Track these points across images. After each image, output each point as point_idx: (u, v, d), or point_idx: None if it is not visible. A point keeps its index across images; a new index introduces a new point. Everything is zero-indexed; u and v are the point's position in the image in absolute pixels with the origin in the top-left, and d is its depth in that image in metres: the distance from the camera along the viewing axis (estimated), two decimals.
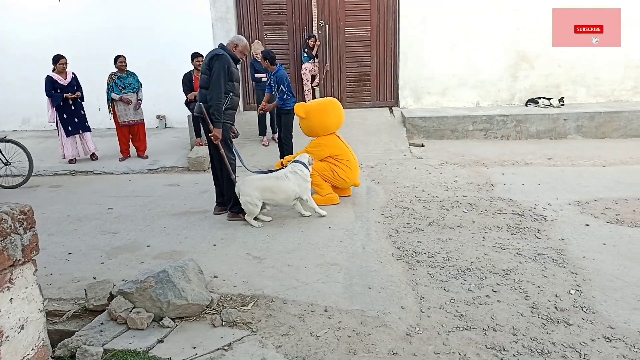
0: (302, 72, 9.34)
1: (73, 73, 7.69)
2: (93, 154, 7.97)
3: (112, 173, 7.40)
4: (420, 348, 2.66)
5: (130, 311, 2.93)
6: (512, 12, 9.09)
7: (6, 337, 1.95)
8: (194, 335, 2.82)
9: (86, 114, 7.91)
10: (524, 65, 9.34)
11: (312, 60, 9.35)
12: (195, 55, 7.69)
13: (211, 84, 4.61)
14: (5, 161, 6.71)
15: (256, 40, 8.48)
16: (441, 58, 9.32)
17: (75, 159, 7.81)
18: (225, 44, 4.86)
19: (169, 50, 9.28)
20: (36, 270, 2.11)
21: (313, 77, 9.52)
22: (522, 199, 5.19)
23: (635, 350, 2.55)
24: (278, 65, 6.76)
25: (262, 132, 8.28)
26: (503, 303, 3.10)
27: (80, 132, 7.79)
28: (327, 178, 5.30)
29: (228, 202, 4.95)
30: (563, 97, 9.10)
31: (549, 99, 9.04)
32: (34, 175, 6.86)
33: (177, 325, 2.93)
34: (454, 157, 7.25)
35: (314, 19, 9.43)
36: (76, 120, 7.72)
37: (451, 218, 4.69)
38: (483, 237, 4.19)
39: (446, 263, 3.71)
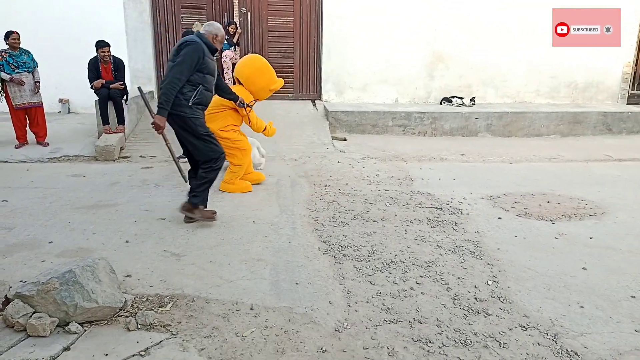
0: (222, 60, 8.99)
1: None
2: None
3: (6, 161, 6.61)
4: (350, 344, 2.62)
5: (30, 316, 2.59)
6: (432, 13, 9.42)
7: None
8: (106, 340, 2.56)
9: None
10: (440, 65, 9.74)
11: (232, 48, 9.05)
12: (100, 45, 6.95)
13: (172, 66, 3.90)
14: None
15: (197, 22, 8.07)
16: (363, 54, 9.45)
17: None
18: (201, 32, 4.15)
19: (74, 28, 8.45)
20: None
21: (234, 65, 9.20)
22: (440, 193, 5.38)
23: (548, 337, 2.70)
24: None
25: None
26: (427, 295, 3.16)
27: None
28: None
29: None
30: (474, 97, 9.61)
31: (461, 98, 9.51)
32: None
33: (85, 330, 2.64)
34: (375, 152, 7.38)
35: (235, 5, 9.12)
36: None
37: (375, 212, 4.73)
38: (405, 230, 4.28)
39: (371, 256, 3.72)
